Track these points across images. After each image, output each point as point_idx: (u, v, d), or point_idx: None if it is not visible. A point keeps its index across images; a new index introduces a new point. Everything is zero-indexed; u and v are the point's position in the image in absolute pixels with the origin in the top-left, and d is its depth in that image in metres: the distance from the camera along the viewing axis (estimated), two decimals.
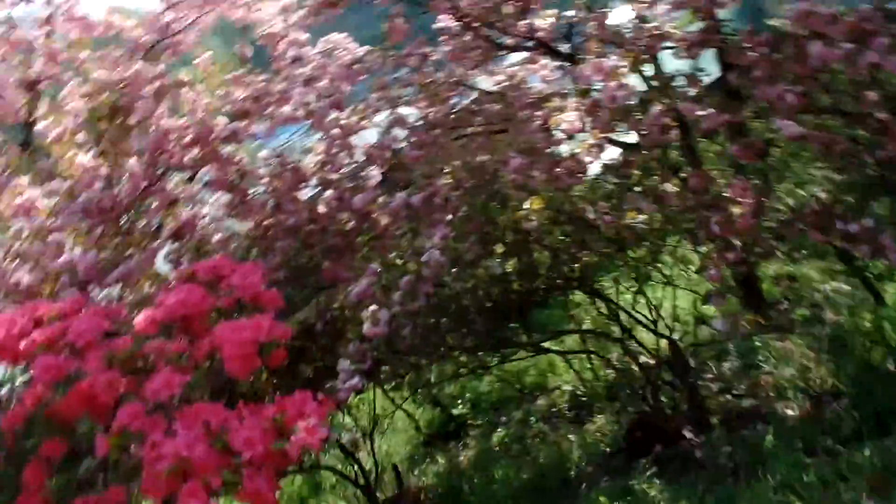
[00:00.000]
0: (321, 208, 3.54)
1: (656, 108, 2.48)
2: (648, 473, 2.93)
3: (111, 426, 1.30)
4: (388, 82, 4.19)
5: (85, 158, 3.56)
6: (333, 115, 3.83)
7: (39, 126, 3.99)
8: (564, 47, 4.00)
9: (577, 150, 2.79)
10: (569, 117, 2.70)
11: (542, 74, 4.32)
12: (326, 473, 4.23)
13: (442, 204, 3.18)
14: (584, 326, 3.58)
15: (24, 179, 3.61)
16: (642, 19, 2.63)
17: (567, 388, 4.59)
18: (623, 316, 3.13)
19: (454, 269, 2.84)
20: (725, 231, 2.34)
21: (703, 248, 2.66)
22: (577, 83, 2.59)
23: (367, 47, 4.68)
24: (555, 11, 4.04)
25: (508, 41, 3.82)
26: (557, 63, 4.31)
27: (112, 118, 3.07)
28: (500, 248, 2.82)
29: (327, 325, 3.23)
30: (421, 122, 3.83)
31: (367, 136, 4.21)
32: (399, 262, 2.82)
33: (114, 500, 1.32)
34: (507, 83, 4.53)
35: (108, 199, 3.14)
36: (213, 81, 4.20)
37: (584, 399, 4.34)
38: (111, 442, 1.23)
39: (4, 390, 3.16)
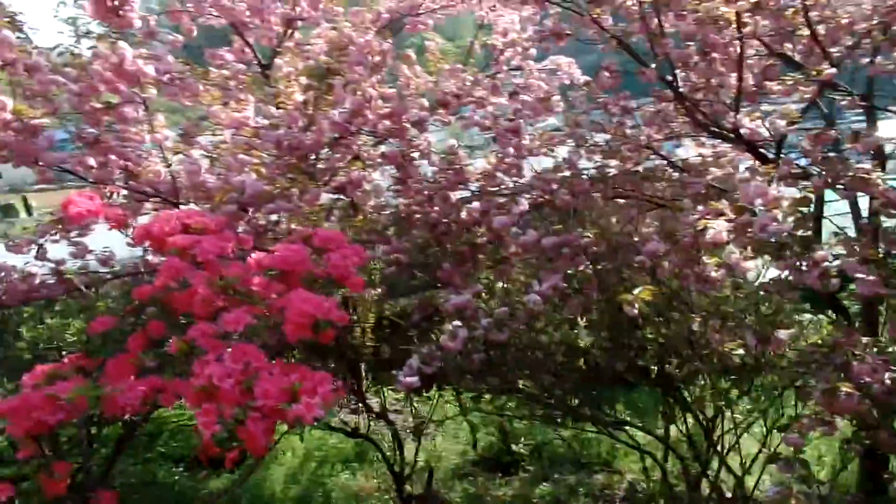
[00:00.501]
0: (464, 214, 3.73)
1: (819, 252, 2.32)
2: None
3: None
4: (582, 122, 4.28)
5: (300, 98, 4.08)
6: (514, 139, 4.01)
7: (279, 60, 4.65)
8: (770, 152, 3.82)
9: (718, 260, 2.69)
10: (720, 225, 2.61)
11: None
12: (353, 445, 4.48)
13: (568, 256, 3.23)
14: (659, 431, 3.45)
15: (251, 97, 4.24)
16: None
17: (630, 476, 4.45)
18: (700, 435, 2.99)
19: (544, 322, 2.89)
20: (827, 404, 2.17)
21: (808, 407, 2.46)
22: (738, 195, 2.50)
23: (585, 77, 4.80)
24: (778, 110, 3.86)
25: (712, 127, 3.72)
26: (752, 163, 4.13)
27: (324, 78, 3.48)
28: (593, 317, 2.82)
29: (422, 319, 3.44)
30: (590, 172, 3.88)
31: (539, 163, 4.34)
32: (502, 291, 2.92)
33: (172, 390, 1.63)
34: (709, 158, 4.41)
35: (298, 141, 3.59)
36: (432, 66, 4.56)
37: (640, 496, 4.18)
38: (180, 347, 1.52)
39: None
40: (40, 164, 3.23)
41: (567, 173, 3.91)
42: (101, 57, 2.91)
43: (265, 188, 3.10)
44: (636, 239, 3.01)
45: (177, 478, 4.14)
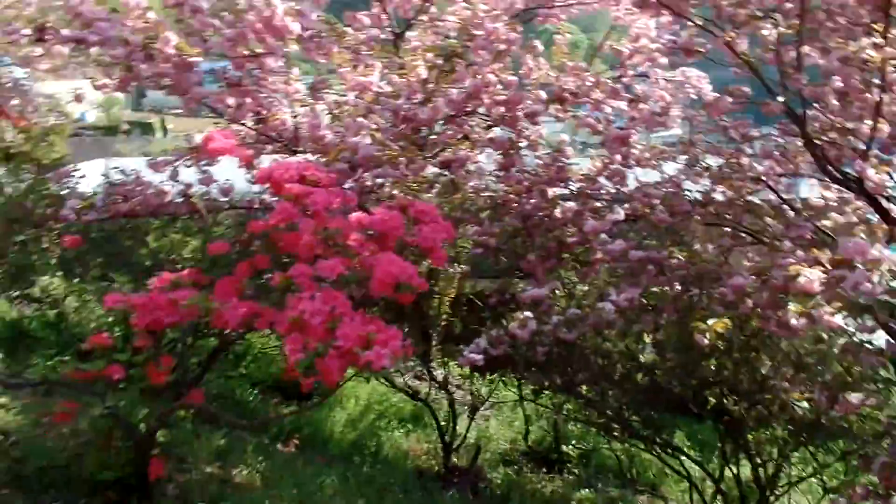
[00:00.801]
0: (558, 212, 3.80)
1: None
2: None
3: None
4: (697, 142, 4.21)
5: (423, 72, 4.26)
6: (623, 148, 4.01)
7: (410, 32, 4.83)
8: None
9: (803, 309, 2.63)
10: (813, 274, 2.55)
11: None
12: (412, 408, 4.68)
13: (652, 273, 3.25)
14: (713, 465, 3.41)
15: (378, 64, 4.47)
16: None
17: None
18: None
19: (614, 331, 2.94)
20: (884, 478, 2.12)
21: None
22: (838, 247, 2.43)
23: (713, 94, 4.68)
24: None
25: (836, 172, 3.57)
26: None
27: (449, 58, 3.62)
28: (661, 338, 2.84)
29: (498, 303, 3.58)
30: (694, 194, 3.82)
31: (644, 175, 4.30)
32: (580, 293, 3.00)
33: (267, 317, 1.86)
34: (833, 203, 4.21)
35: (414, 113, 3.77)
36: (556, 59, 4.59)
37: None
38: (281, 281, 1.74)
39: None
40: (188, 96, 3.59)
41: (670, 191, 3.89)
42: (255, 9, 3.19)
43: (376, 153, 3.30)
44: (724, 270, 2.97)
45: (251, 399, 4.54)
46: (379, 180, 3.58)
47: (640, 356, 2.92)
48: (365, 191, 3.50)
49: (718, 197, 3.90)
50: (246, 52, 3.52)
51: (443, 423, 4.15)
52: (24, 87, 5.23)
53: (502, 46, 3.96)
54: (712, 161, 4.17)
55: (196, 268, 2.27)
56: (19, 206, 3.54)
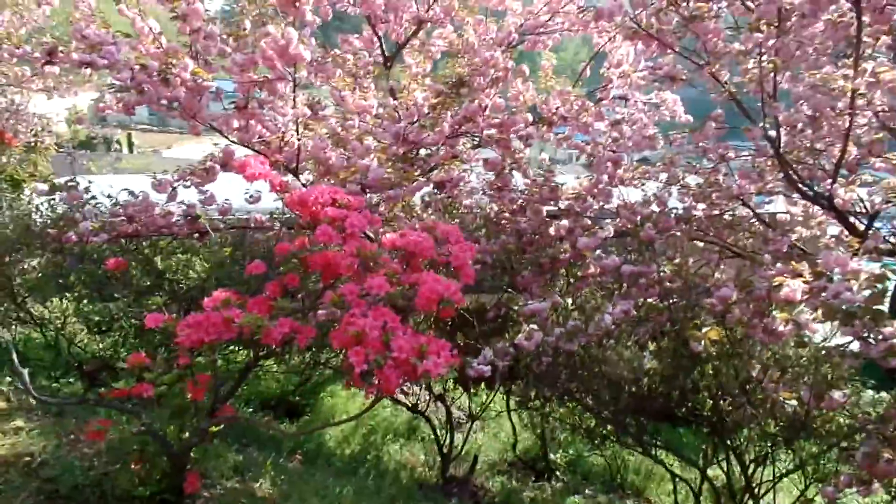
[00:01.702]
0: (552, 230, 4.00)
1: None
2: None
3: (330, 286, 1.98)
4: (677, 162, 4.47)
5: (420, 96, 4.43)
6: (611, 168, 4.24)
7: (407, 53, 5.01)
8: (862, 223, 3.92)
9: (787, 316, 2.86)
10: (796, 285, 2.78)
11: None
12: (405, 420, 4.79)
13: (643, 286, 3.46)
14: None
15: (372, 87, 4.62)
16: None
17: None
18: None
19: (612, 340, 3.13)
20: (867, 466, 2.33)
21: None
22: (820, 258, 2.67)
23: (686, 116, 4.96)
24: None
25: (807, 190, 3.85)
26: (839, 231, 4.23)
27: (457, 87, 3.80)
28: (663, 343, 3.04)
29: (499, 318, 3.74)
30: (678, 211, 4.07)
31: (629, 194, 4.54)
32: (577, 307, 3.18)
33: (306, 334, 1.98)
34: (799, 217, 4.52)
35: (415, 135, 3.93)
36: (543, 84, 4.81)
37: None
38: (333, 299, 1.88)
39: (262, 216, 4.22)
40: (197, 118, 3.69)
41: (655, 209, 4.13)
42: (271, 37, 3.32)
43: (385, 175, 3.45)
44: (710, 282, 3.20)
45: (247, 416, 4.59)
46: (374, 198, 3.72)
47: (642, 363, 3.10)
48: (373, 211, 3.64)
49: (699, 213, 4.17)
50: (255, 77, 3.64)
51: (440, 434, 4.27)
52: (20, 107, 5.24)
53: (500, 73, 4.16)
54: (691, 180, 4.46)
55: (219, 287, 2.38)
56: (25, 228, 3.57)
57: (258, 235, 4.41)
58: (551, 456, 5.13)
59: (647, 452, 3.58)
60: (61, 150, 7.26)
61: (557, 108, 4.44)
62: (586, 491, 4.87)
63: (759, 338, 2.96)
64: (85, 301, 3.46)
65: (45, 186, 3.66)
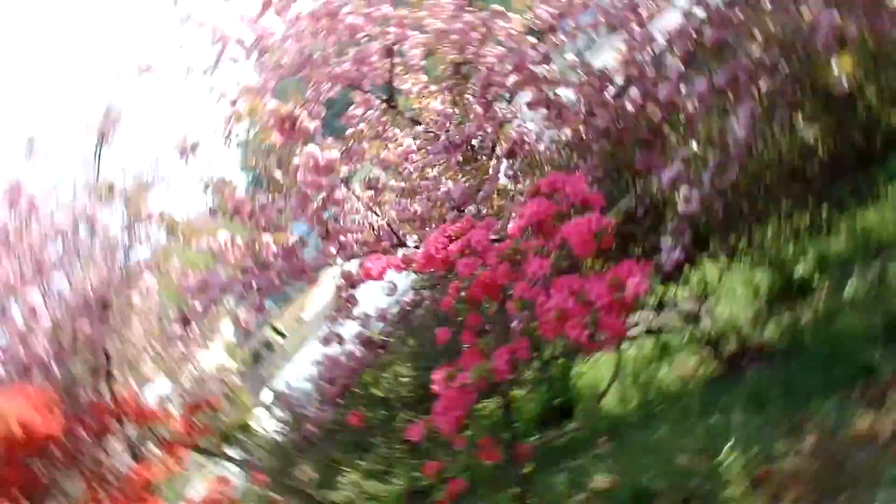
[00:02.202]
0: (629, 106, 3.86)
1: None
2: None
3: (503, 302, 2.07)
4: None
5: (437, 105, 4.51)
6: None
7: (397, 83, 5.11)
8: None
9: None
10: None
11: None
12: (670, 337, 4.69)
13: (748, 80, 3.23)
14: None
15: (397, 131, 4.78)
16: None
17: None
18: None
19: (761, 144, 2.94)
20: None
21: None
22: None
23: None
24: None
25: None
26: None
27: (455, 73, 3.84)
28: (806, 115, 2.81)
29: (647, 210, 3.64)
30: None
31: (667, 22, 4.25)
32: (702, 146, 3.03)
33: (521, 347, 2.08)
34: None
35: (459, 134, 4.00)
36: (521, 3, 4.67)
37: None
38: (516, 304, 1.96)
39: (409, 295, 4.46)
40: (305, 273, 4.02)
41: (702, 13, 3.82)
42: (304, 162, 3.59)
43: (467, 186, 3.55)
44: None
45: None
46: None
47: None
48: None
49: None
50: (316, 205, 3.91)
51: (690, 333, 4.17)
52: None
53: (482, 31, 4.11)
54: None
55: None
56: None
57: (420, 311, 4.65)
58: (795, 273, 4.80)
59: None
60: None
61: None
62: (850, 277, 4.50)
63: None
64: None
65: None
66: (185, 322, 4.09)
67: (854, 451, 2.37)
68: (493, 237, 2.32)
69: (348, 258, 4.15)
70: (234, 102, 3.72)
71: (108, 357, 5.36)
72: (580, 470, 3.23)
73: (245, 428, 6.34)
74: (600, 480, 2.91)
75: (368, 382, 3.95)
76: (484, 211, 4.14)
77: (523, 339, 2.02)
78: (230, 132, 3.68)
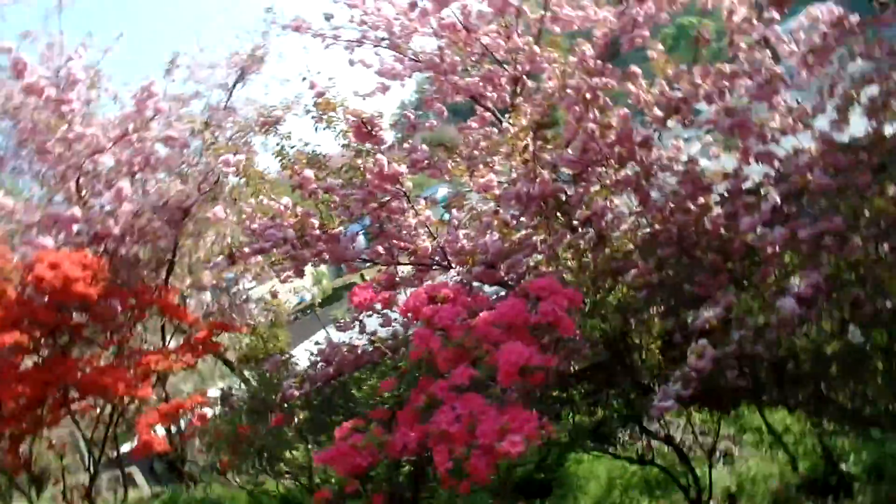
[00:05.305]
0: (707, 223, 3.59)
1: None
2: None
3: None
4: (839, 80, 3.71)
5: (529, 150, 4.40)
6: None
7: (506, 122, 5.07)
8: None
9: None
10: None
11: None
12: (657, 472, 4.39)
13: (831, 246, 2.90)
14: None
15: (495, 159, 4.73)
16: None
17: None
18: None
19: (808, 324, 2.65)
20: None
21: None
22: None
23: None
24: None
25: None
26: None
27: (541, 125, 3.75)
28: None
29: (684, 339, 3.38)
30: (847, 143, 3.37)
31: (796, 143, 3.86)
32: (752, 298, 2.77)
33: (436, 436, 2.04)
34: None
35: (537, 188, 3.88)
36: (659, 72, 4.45)
37: None
38: (425, 400, 1.94)
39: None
40: (346, 259, 4.15)
41: (823, 148, 3.46)
42: (370, 168, 3.69)
43: (504, 246, 3.48)
44: None
45: None
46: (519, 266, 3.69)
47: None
48: (513, 279, 3.64)
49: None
50: (375, 205, 4.02)
51: (682, 481, 3.88)
52: (245, 298, 6.45)
53: (588, 95, 3.99)
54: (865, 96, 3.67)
55: (380, 408, 2.56)
56: (260, 400, 4.24)
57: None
58: (843, 467, 4.31)
59: None
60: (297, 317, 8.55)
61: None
62: None
63: None
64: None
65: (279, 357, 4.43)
66: (231, 259, 4.36)
67: None
68: (463, 315, 2.27)
69: (387, 264, 4.23)
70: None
71: (174, 254, 5.93)
72: None
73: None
74: None
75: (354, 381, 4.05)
76: (514, 276, 3.98)
77: (419, 431, 1.98)
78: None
